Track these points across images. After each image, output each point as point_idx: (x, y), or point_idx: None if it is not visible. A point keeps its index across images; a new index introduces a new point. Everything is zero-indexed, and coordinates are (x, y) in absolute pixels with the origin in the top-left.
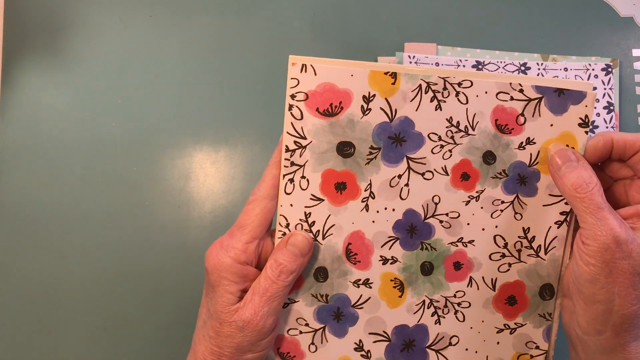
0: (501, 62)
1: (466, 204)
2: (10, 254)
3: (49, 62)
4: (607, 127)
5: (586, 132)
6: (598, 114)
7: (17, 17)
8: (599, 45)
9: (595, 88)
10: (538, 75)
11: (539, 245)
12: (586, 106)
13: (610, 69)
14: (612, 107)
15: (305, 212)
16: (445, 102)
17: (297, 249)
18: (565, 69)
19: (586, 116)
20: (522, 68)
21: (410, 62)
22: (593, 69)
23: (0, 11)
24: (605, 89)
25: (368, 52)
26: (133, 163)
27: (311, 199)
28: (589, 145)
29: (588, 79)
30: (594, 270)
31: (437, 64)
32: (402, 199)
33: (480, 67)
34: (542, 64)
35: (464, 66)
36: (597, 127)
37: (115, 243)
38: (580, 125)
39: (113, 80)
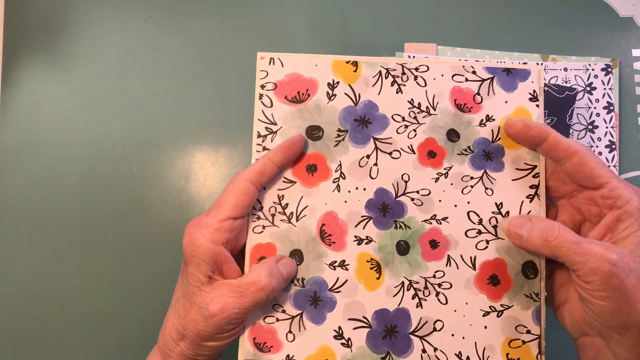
0: (501, 62)
1: (435, 181)
2: (10, 254)
3: (49, 62)
4: (607, 127)
5: (537, 106)
6: (598, 114)
7: (17, 17)
8: (598, 45)
9: (540, 64)
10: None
11: None
12: (532, 82)
13: (610, 69)
14: (612, 107)
15: (278, 195)
16: (405, 85)
17: (285, 272)
18: (565, 69)
19: (534, 91)
20: None
21: None
22: (593, 69)
23: (1, 11)
24: (605, 89)
25: (368, 52)
26: (133, 163)
27: (283, 181)
28: (510, 121)
29: (588, 79)
30: (612, 302)
31: None
32: (372, 178)
33: None
34: (542, 64)
35: None
36: (597, 127)
37: (115, 243)
38: (530, 99)
39: (113, 80)
